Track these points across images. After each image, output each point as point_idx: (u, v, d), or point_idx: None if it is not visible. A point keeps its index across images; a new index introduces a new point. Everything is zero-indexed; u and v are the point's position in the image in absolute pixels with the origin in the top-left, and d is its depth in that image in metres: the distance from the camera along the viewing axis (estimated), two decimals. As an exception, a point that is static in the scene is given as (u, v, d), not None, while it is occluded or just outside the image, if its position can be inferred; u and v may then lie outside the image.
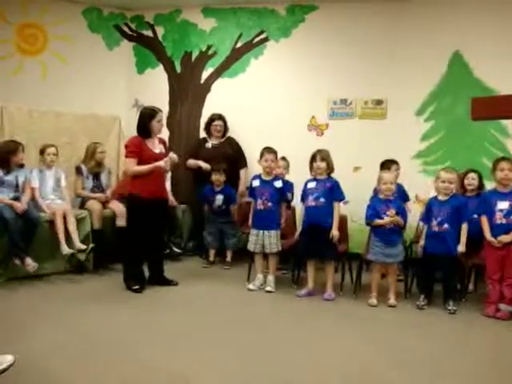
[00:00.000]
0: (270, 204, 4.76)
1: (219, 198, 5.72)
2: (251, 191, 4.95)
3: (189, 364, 3.02)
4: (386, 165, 5.13)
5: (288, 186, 5.51)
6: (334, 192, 4.55)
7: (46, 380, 2.77)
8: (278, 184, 4.84)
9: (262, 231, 4.75)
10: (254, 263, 4.94)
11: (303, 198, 4.67)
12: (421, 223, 4.62)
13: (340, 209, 4.62)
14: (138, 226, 4.59)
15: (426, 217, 4.38)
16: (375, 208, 4.43)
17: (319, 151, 4.63)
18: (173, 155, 4.62)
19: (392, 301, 4.31)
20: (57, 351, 3.16)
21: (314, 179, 4.63)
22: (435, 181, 5.00)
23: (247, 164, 6.22)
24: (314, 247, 4.52)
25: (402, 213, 4.41)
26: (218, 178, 5.73)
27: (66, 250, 4.89)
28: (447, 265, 4.20)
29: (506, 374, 3.00)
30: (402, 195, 4.96)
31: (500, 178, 4.17)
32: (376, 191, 4.73)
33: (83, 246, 5.01)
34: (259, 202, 4.78)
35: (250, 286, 4.77)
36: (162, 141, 4.81)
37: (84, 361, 3.03)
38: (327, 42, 6.15)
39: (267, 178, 4.85)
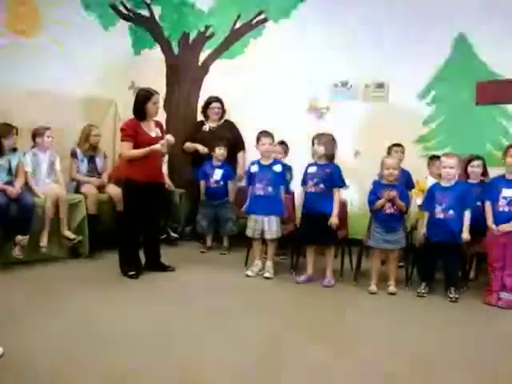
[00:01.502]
0: (269, 189, 4.68)
1: (218, 173, 5.60)
2: (249, 177, 4.85)
3: (186, 352, 2.96)
4: (392, 148, 5.05)
5: (286, 171, 5.45)
6: (333, 178, 4.45)
7: (37, 371, 2.70)
8: (278, 168, 4.77)
9: (261, 217, 4.67)
10: (252, 249, 4.87)
11: (304, 182, 4.58)
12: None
13: (340, 195, 4.52)
14: (134, 211, 4.50)
15: (429, 203, 4.29)
16: (376, 193, 4.35)
17: (319, 135, 4.54)
18: (170, 137, 4.51)
19: (392, 288, 4.26)
20: (49, 340, 3.09)
21: (315, 164, 4.54)
22: (429, 166, 4.97)
23: (245, 147, 6.12)
24: (313, 233, 4.45)
25: (404, 198, 4.32)
26: (221, 152, 5.63)
27: (43, 242, 4.83)
28: (451, 252, 4.14)
29: (508, 363, 2.95)
30: (407, 182, 4.87)
31: (508, 164, 4.08)
32: (380, 176, 4.63)
33: (72, 236, 4.93)
34: (258, 186, 4.69)
35: (249, 273, 4.70)
36: (158, 124, 4.70)
37: (78, 350, 2.96)
38: (327, 23, 6.01)
39: (266, 163, 4.76)
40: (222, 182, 5.61)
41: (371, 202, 4.36)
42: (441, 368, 2.86)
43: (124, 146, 4.48)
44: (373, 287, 4.27)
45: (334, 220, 4.39)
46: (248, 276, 4.67)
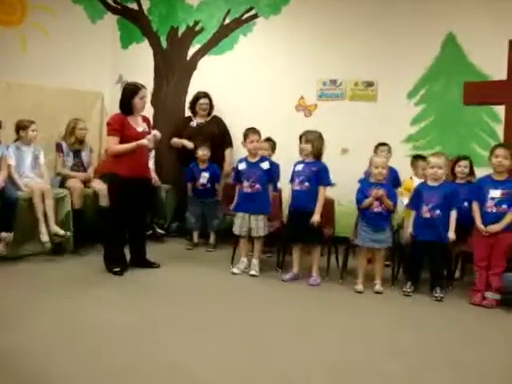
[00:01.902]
0: (257, 186, 4.64)
1: (204, 176, 5.57)
2: (236, 175, 4.81)
3: (171, 350, 2.93)
4: (379, 147, 5.06)
5: (274, 168, 5.42)
6: (320, 176, 4.43)
7: (21, 370, 2.65)
8: (265, 165, 4.73)
9: (248, 214, 4.64)
10: (238, 246, 4.84)
11: (292, 180, 4.55)
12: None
13: (326, 193, 4.51)
14: (120, 206, 4.45)
15: (415, 203, 4.30)
16: (364, 192, 4.34)
17: (306, 132, 4.50)
18: (156, 133, 4.47)
19: (378, 287, 4.25)
20: (33, 338, 3.04)
21: (303, 162, 4.51)
22: (413, 166, 4.97)
23: (232, 144, 6.08)
24: (300, 232, 4.43)
25: (391, 197, 4.31)
26: (204, 153, 5.59)
27: (45, 237, 4.75)
28: (437, 252, 4.14)
29: (492, 362, 2.95)
30: (394, 180, 4.87)
31: (494, 165, 4.08)
32: (367, 174, 4.63)
33: (61, 232, 4.84)
34: (246, 184, 4.66)
35: (235, 270, 4.67)
36: (145, 119, 4.64)
37: (63, 349, 2.91)
38: (318, 19, 5.99)
39: (253, 160, 4.73)
40: (208, 185, 5.60)
41: (359, 201, 4.34)
42: (426, 367, 2.85)
43: (110, 140, 4.42)
44: (359, 286, 4.26)
45: (315, 218, 4.35)
46: (234, 273, 4.64)
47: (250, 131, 4.74)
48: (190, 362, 2.80)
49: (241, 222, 4.67)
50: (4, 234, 4.51)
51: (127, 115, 4.45)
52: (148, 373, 2.66)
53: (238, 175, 4.77)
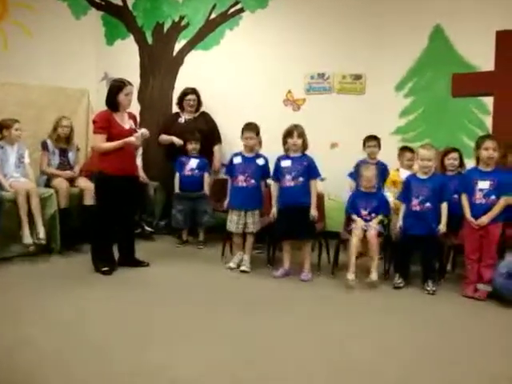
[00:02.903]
0: (252, 181, 4.61)
1: (193, 161, 5.50)
2: (231, 168, 4.74)
3: (162, 350, 2.89)
4: (368, 140, 5.04)
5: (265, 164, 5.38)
6: (310, 170, 4.40)
7: (10, 375, 2.60)
8: (261, 161, 4.70)
9: (243, 211, 4.61)
10: (232, 243, 4.83)
11: (277, 177, 4.49)
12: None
13: (317, 186, 4.49)
14: (107, 205, 4.39)
15: (405, 196, 4.28)
16: (354, 202, 4.43)
17: (296, 126, 4.46)
18: (144, 131, 4.41)
19: (374, 275, 4.16)
20: (21, 338, 2.99)
21: (287, 156, 4.46)
22: (400, 157, 4.96)
23: (221, 140, 6.03)
24: (292, 228, 4.38)
25: (383, 205, 4.41)
26: (193, 146, 5.53)
27: (27, 239, 4.68)
28: (428, 245, 4.12)
29: (486, 353, 2.94)
30: (382, 174, 4.85)
31: (484, 157, 4.03)
32: (353, 175, 4.85)
33: (41, 235, 4.74)
34: (241, 178, 4.61)
35: (231, 265, 4.65)
36: (131, 115, 4.58)
37: (51, 352, 2.86)
38: (305, 13, 5.93)
39: (250, 155, 4.69)
40: (197, 171, 5.50)
41: (348, 213, 4.45)
42: (419, 362, 2.83)
43: (97, 138, 4.35)
44: (351, 275, 4.15)
45: (313, 212, 4.34)
46: (230, 268, 4.61)
47: (246, 128, 4.69)
48: (182, 362, 2.76)
49: (236, 219, 4.62)
50: None
51: (113, 112, 4.38)
52: (137, 373, 2.62)
53: (232, 169, 4.70)
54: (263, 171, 4.69)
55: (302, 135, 4.41)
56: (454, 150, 4.62)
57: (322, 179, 4.98)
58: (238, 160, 4.69)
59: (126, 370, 2.66)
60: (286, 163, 4.44)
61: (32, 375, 2.58)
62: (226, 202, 4.74)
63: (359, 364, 2.79)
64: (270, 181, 5.20)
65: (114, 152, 4.30)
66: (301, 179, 4.37)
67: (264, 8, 6.11)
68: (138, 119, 5.03)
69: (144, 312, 3.52)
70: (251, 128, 4.69)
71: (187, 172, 5.49)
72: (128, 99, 4.42)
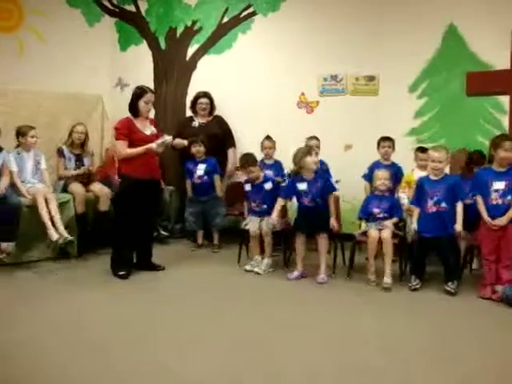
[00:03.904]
0: (264, 206, 4.79)
1: (201, 168, 5.49)
2: (245, 194, 4.98)
3: (172, 353, 2.90)
4: (381, 142, 5.05)
5: (277, 167, 5.40)
6: (325, 188, 4.49)
7: (25, 375, 2.63)
8: (268, 186, 4.85)
9: (260, 218, 4.77)
10: (249, 245, 4.87)
11: (290, 197, 4.64)
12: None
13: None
14: (129, 209, 4.41)
15: (419, 199, 4.25)
16: (367, 206, 4.49)
17: (311, 147, 4.67)
18: (168, 138, 4.44)
19: (388, 279, 4.16)
20: (37, 343, 3.03)
21: (304, 179, 4.49)
22: (415, 158, 4.94)
23: (235, 143, 6.04)
24: (309, 223, 4.48)
25: (396, 207, 4.44)
26: (197, 149, 5.51)
27: (54, 235, 4.70)
28: (447, 245, 4.08)
29: (500, 354, 2.91)
30: (396, 176, 4.83)
31: (503, 158, 3.96)
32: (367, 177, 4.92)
33: (69, 237, 4.78)
34: (253, 205, 4.86)
35: (247, 267, 4.68)
36: (153, 121, 4.63)
37: (66, 354, 2.88)
38: (317, 16, 5.93)
39: (257, 182, 4.87)
40: (205, 177, 5.49)
41: (360, 215, 4.51)
42: (434, 361, 2.81)
43: (119, 144, 4.42)
44: (372, 275, 4.25)
45: (333, 222, 4.43)
46: (246, 270, 4.65)
47: (248, 163, 4.85)
48: (194, 365, 2.77)
49: (257, 224, 4.73)
50: (4, 245, 4.47)
51: (135, 118, 4.44)
52: (141, 373, 2.65)
53: (246, 195, 4.98)
54: (272, 194, 4.79)
55: (317, 154, 4.61)
56: (478, 152, 4.56)
57: (337, 181, 4.99)
58: (248, 187, 4.93)
59: (130, 370, 2.69)
60: (302, 186, 4.49)
61: (36, 373, 2.62)
62: (243, 223, 4.89)
63: (371, 366, 2.77)
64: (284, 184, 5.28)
65: (136, 157, 4.36)
66: (318, 200, 4.46)
67: (276, 11, 6.12)
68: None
69: (156, 314, 3.54)
70: (253, 161, 4.89)
71: (196, 180, 5.50)
72: (148, 107, 4.46)
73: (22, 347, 2.96)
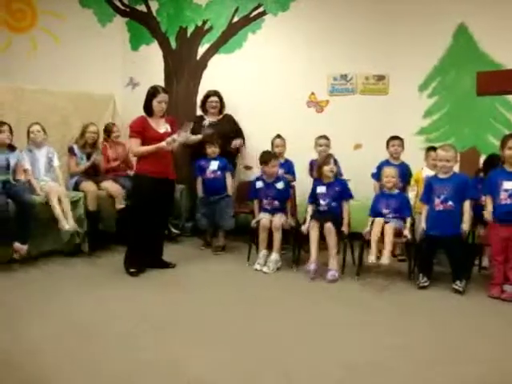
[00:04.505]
0: (275, 203, 4.90)
1: (214, 163, 5.47)
2: (255, 191, 5.02)
3: (179, 350, 2.95)
4: (391, 141, 5.07)
5: (288, 166, 5.42)
6: (343, 193, 4.69)
7: (36, 372, 2.68)
8: (280, 185, 4.94)
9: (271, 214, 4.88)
10: (258, 239, 4.87)
11: (311, 201, 4.80)
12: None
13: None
14: (143, 207, 4.46)
15: (427, 196, 4.27)
16: (377, 204, 4.56)
17: (329, 155, 4.81)
18: (176, 136, 4.42)
19: (385, 258, 4.17)
20: (48, 340, 3.08)
21: (323, 183, 4.70)
22: (426, 158, 4.95)
23: (244, 136, 6.05)
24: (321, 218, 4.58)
25: (404, 206, 4.48)
26: (212, 150, 5.49)
27: (66, 225, 4.75)
28: (454, 244, 4.09)
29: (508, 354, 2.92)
30: (404, 175, 4.85)
31: (507, 157, 3.99)
32: (375, 176, 5.00)
33: (79, 229, 4.86)
34: (265, 202, 4.92)
35: (257, 266, 4.71)
36: (169, 120, 4.65)
37: (76, 351, 2.94)
38: (327, 15, 5.94)
39: (269, 180, 4.96)
40: (219, 172, 5.44)
41: (370, 214, 4.57)
42: (441, 361, 2.82)
43: (132, 142, 4.49)
44: (372, 256, 4.22)
45: (345, 229, 4.56)
46: (256, 270, 4.68)
47: (272, 156, 4.99)
48: (203, 366, 2.80)
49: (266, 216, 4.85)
50: (18, 246, 4.51)
51: (149, 117, 4.50)
52: (152, 373, 2.68)
53: (256, 192, 5.02)
54: (284, 193, 4.95)
55: (336, 161, 4.76)
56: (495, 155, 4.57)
57: (347, 180, 5.01)
58: (259, 185, 4.98)
59: (145, 367, 2.72)
60: (321, 189, 4.70)
61: (42, 373, 2.67)
62: (253, 222, 4.94)
63: (381, 364, 2.80)
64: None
65: (151, 155, 4.41)
66: (334, 204, 4.65)
67: (286, 11, 6.14)
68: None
69: (168, 312, 3.59)
70: (275, 156, 5.05)
71: (209, 175, 5.45)
72: (161, 106, 4.48)
73: (45, 343, 3.02)
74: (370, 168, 5.11)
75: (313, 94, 6.06)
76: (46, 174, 5.12)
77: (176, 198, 5.85)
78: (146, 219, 4.47)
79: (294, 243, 4.90)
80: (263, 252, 4.80)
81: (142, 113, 4.54)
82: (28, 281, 4.28)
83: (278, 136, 5.48)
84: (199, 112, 6.27)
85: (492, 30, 5.18)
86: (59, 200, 4.86)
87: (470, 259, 4.47)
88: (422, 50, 5.48)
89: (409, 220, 4.43)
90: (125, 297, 3.91)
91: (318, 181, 4.78)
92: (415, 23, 5.55)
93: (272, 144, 5.47)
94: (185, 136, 4.50)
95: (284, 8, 6.15)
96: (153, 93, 4.48)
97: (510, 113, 5.23)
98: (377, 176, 4.94)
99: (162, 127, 4.53)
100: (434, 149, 4.93)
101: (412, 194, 4.76)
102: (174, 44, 6.68)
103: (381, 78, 5.79)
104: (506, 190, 3.97)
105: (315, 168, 4.87)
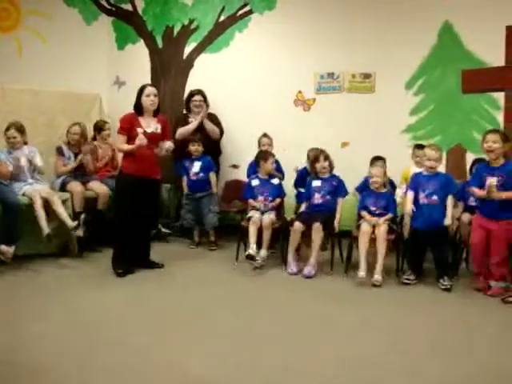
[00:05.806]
0: (270, 199, 4.94)
1: (196, 165, 5.51)
2: (249, 189, 5.01)
3: (173, 350, 2.94)
4: (373, 161, 5.04)
5: (276, 164, 5.43)
6: (339, 189, 4.77)
7: (32, 371, 2.67)
8: (276, 181, 5.03)
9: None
10: (247, 234, 4.79)
11: (307, 198, 4.83)
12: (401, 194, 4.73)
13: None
14: (126, 205, 4.44)
15: (412, 187, 4.35)
16: (364, 201, 4.57)
17: (321, 151, 4.83)
18: (168, 144, 4.47)
19: (377, 277, 4.16)
20: (39, 340, 3.05)
21: (319, 178, 4.79)
22: (413, 156, 4.99)
23: (223, 131, 6.00)
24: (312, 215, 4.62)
25: (391, 204, 4.53)
26: (196, 148, 5.53)
27: (46, 229, 4.63)
28: (438, 239, 4.14)
29: (496, 349, 2.95)
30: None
31: (484, 150, 4.03)
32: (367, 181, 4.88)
33: (75, 223, 4.78)
34: (260, 198, 4.92)
35: (250, 252, 4.57)
36: (162, 120, 4.61)
37: (69, 351, 2.91)
38: (312, 13, 5.95)
39: (265, 177, 5.01)
40: (201, 174, 5.50)
41: (359, 210, 4.58)
42: (436, 359, 2.85)
43: (118, 138, 4.49)
44: (362, 272, 4.19)
45: (337, 225, 4.62)
46: (250, 255, 4.57)
47: (270, 154, 5.07)
48: (197, 364, 2.80)
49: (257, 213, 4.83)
50: (4, 248, 4.45)
51: (139, 115, 4.48)
52: (149, 372, 2.67)
53: (251, 190, 5.02)
54: (280, 189, 5.05)
55: (327, 158, 4.79)
56: None
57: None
58: (255, 182, 5.02)
59: (135, 367, 2.72)
60: (316, 183, 4.80)
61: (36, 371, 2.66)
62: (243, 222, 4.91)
63: (371, 358, 2.82)
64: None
65: (134, 154, 4.39)
66: (328, 197, 4.73)
67: (272, 9, 6.14)
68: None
69: (156, 312, 3.57)
70: (272, 154, 5.09)
71: (192, 176, 5.52)
72: (150, 99, 4.45)
73: (39, 340, 3.00)
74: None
75: (300, 92, 6.07)
76: (30, 176, 4.98)
77: (164, 198, 5.85)
78: (130, 219, 4.44)
79: (282, 242, 4.89)
80: (252, 245, 4.71)
81: (128, 111, 4.52)
82: (15, 283, 4.24)
83: (265, 135, 5.49)
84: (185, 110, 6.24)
85: (477, 28, 5.22)
86: (48, 202, 4.79)
87: (456, 255, 4.51)
88: (408, 48, 5.51)
89: (390, 215, 4.44)
90: (111, 297, 3.89)
91: (312, 176, 4.87)
92: (401, 21, 5.58)
93: (259, 143, 5.47)
94: (170, 146, 4.50)
95: (270, 7, 6.15)
96: (141, 89, 4.50)
97: (494, 110, 5.27)
98: (360, 189, 4.94)
99: (152, 126, 4.49)
100: (420, 146, 4.97)
101: (401, 192, 4.78)
102: (160, 43, 6.65)
103: (367, 76, 5.82)
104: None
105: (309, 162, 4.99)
